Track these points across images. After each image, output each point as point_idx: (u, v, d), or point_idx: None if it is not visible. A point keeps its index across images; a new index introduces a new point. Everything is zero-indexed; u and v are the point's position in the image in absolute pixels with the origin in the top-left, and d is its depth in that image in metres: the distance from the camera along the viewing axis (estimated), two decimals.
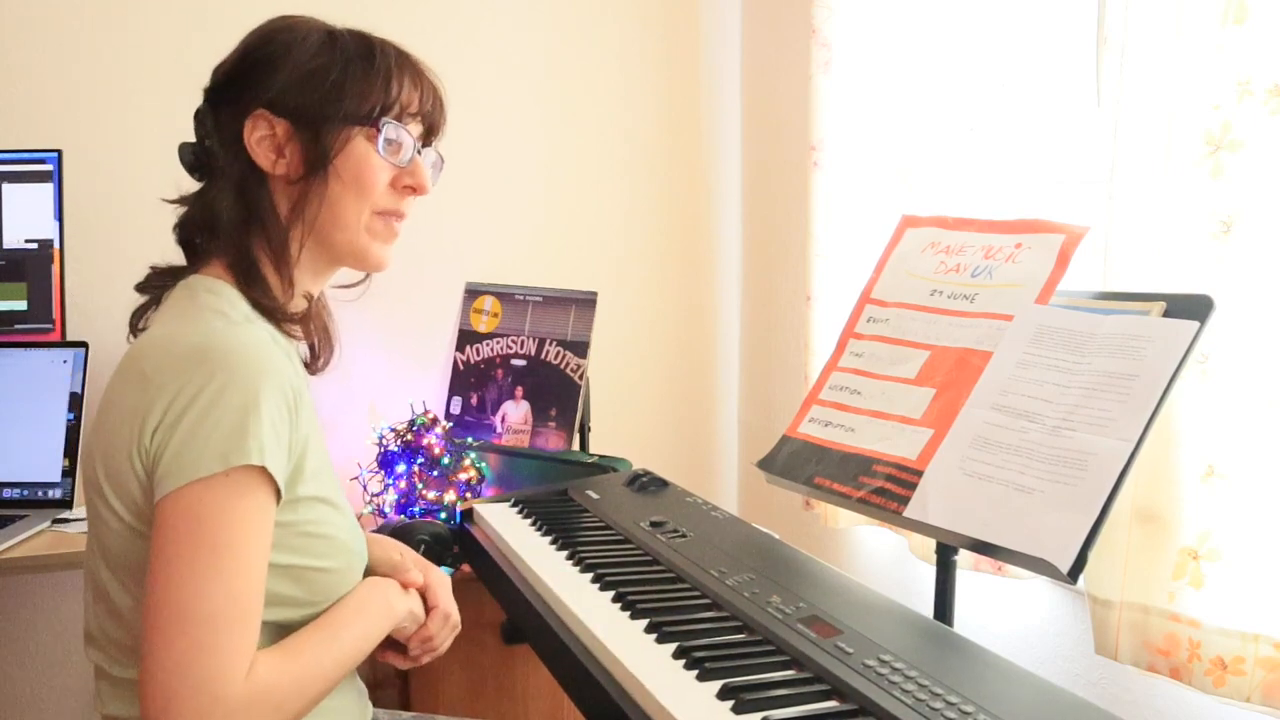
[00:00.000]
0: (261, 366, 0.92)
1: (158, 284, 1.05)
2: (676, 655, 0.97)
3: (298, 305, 1.06)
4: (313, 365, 1.14)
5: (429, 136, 1.11)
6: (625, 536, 1.35)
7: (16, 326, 1.85)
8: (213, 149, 1.03)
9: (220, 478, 0.88)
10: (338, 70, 1.02)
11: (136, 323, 1.06)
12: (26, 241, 1.84)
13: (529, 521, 1.44)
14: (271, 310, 1.02)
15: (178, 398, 0.89)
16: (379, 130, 1.04)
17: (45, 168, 1.83)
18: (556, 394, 2.15)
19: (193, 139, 1.07)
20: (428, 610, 1.15)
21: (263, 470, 0.90)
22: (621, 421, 2.36)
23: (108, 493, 0.94)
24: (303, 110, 1.01)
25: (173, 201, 1.06)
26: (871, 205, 1.85)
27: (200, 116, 1.05)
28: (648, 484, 1.59)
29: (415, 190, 1.09)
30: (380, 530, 1.83)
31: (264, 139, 1.02)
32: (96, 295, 1.97)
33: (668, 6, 2.40)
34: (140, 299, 1.07)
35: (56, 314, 1.86)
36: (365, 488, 2.03)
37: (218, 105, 1.04)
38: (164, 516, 0.88)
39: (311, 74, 1.01)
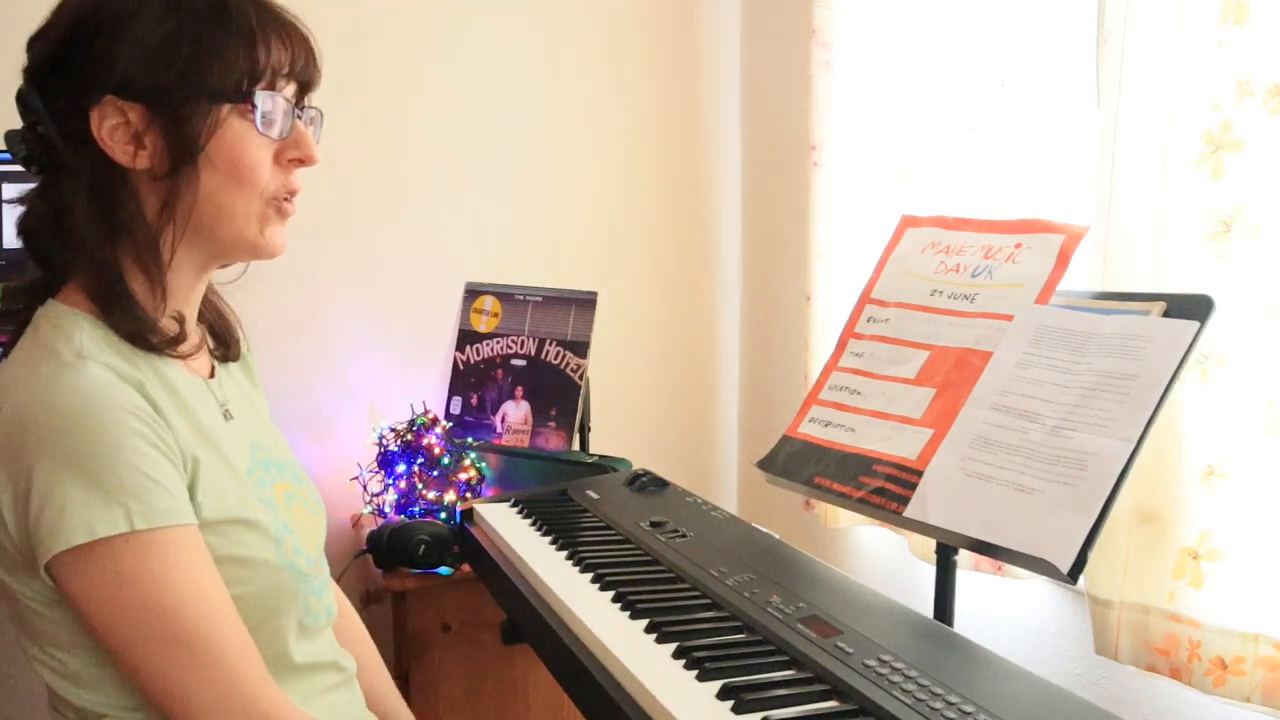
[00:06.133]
0: (93, 418, 0.83)
1: (15, 308, 0.94)
2: (676, 655, 0.97)
3: (168, 325, 0.94)
4: (226, 354, 1.08)
5: (302, 95, 0.96)
6: (625, 536, 1.35)
7: None
8: (49, 136, 0.88)
9: (107, 545, 0.83)
10: (189, 38, 0.87)
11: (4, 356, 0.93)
12: None
13: (529, 521, 1.44)
14: (136, 336, 0.91)
15: (18, 480, 0.83)
16: (253, 105, 0.90)
17: None
18: (556, 394, 2.15)
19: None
20: None
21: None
22: (621, 421, 2.36)
23: None
24: (158, 91, 0.86)
25: (11, 201, 0.94)
26: (871, 205, 1.85)
27: (24, 98, 0.90)
28: (648, 484, 1.59)
29: (303, 163, 0.95)
30: (380, 530, 1.84)
31: (117, 129, 0.87)
32: None
33: (668, 6, 2.40)
34: None
35: None
36: (365, 488, 2.03)
37: (48, 87, 0.89)
38: (79, 590, 0.84)
39: (161, 46, 0.86)
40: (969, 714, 0.85)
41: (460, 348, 2.26)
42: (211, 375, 1.04)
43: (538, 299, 2.21)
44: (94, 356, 0.87)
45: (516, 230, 2.32)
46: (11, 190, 1.79)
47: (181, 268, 0.95)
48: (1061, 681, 1.26)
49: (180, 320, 0.96)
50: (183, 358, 0.96)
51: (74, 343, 0.87)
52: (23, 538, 0.85)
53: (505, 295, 2.24)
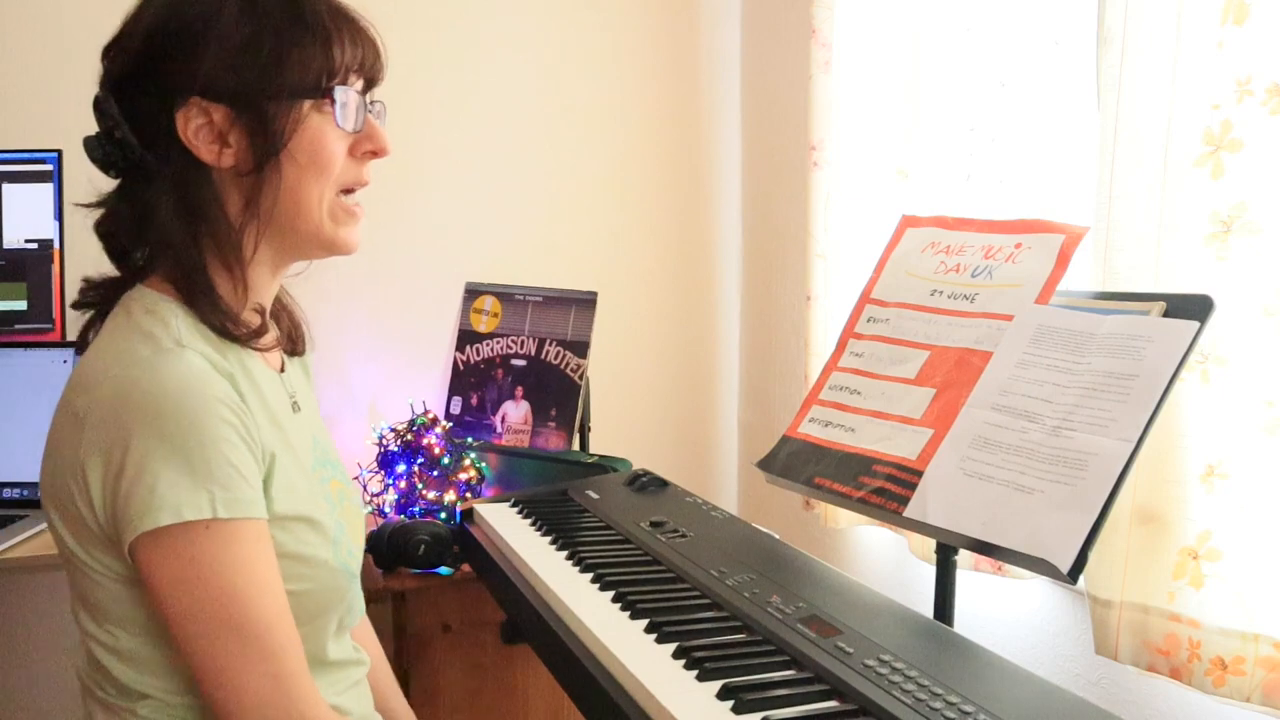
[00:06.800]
0: (191, 404, 0.85)
1: (95, 298, 0.97)
2: (676, 655, 0.97)
3: (250, 317, 0.97)
4: (293, 349, 1.10)
5: (368, 89, 1.00)
6: (625, 536, 1.35)
7: (16, 326, 1.85)
8: (126, 141, 0.91)
9: (188, 529, 0.84)
10: (270, 38, 0.90)
11: (84, 340, 0.96)
12: (26, 241, 1.84)
13: (529, 521, 1.44)
14: (222, 328, 0.93)
15: (111, 455, 0.84)
16: (333, 100, 0.93)
17: (45, 168, 1.83)
18: (556, 394, 2.15)
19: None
20: None
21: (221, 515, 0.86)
22: (621, 421, 2.36)
23: (66, 536, 0.90)
24: (242, 91, 0.90)
25: (88, 205, 0.96)
26: (871, 205, 1.85)
27: (101, 105, 0.93)
28: (648, 484, 1.59)
29: (377, 154, 0.99)
30: (380, 530, 1.84)
31: (201, 129, 0.91)
32: None
33: (668, 7, 2.40)
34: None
35: (56, 314, 1.86)
36: (365, 488, 2.03)
37: (128, 94, 0.92)
38: (154, 570, 0.86)
39: (243, 48, 0.90)
40: (969, 714, 0.85)
41: (460, 348, 2.26)
42: (282, 369, 1.06)
43: (538, 299, 2.21)
44: (191, 345, 0.90)
45: (516, 230, 2.32)
46: (12, 190, 1.80)
47: (262, 263, 0.97)
48: (1061, 681, 1.26)
49: (261, 313, 0.99)
50: (263, 350, 0.99)
51: (172, 329, 0.90)
52: (107, 514, 0.86)
53: (505, 295, 2.24)
